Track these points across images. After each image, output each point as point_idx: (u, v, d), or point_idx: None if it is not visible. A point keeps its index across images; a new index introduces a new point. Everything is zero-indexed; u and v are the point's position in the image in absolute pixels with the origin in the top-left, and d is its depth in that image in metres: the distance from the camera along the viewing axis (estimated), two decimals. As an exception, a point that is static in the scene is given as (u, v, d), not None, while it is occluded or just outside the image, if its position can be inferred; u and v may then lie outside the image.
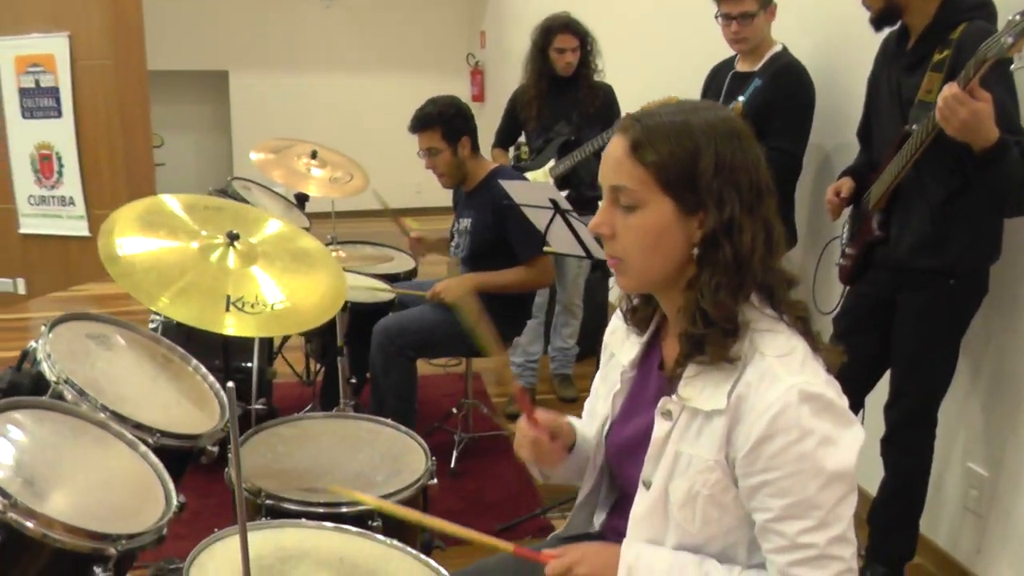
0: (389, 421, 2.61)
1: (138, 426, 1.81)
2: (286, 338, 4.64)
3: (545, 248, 3.47)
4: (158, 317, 3.66)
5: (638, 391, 1.67)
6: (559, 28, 4.48)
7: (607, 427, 1.71)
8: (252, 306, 2.17)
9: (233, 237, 2.34)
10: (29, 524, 1.43)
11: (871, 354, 2.87)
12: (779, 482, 1.37)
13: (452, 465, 4.02)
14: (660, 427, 1.51)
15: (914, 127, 2.55)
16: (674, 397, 1.49)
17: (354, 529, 1.91)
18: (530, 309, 4.14)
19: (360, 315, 3.88)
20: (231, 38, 9.71)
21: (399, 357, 3.70)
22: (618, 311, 1.74)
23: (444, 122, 3.75)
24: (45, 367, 1.82)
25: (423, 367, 4.01)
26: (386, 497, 2.17)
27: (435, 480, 2.37)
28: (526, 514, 3.60)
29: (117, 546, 1.48)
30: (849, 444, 1.39)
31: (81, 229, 7.51)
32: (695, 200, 1.41)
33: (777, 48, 3.55)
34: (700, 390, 1.46)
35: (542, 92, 4.60)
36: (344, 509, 2.10)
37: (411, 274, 4.55)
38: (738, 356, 1.42)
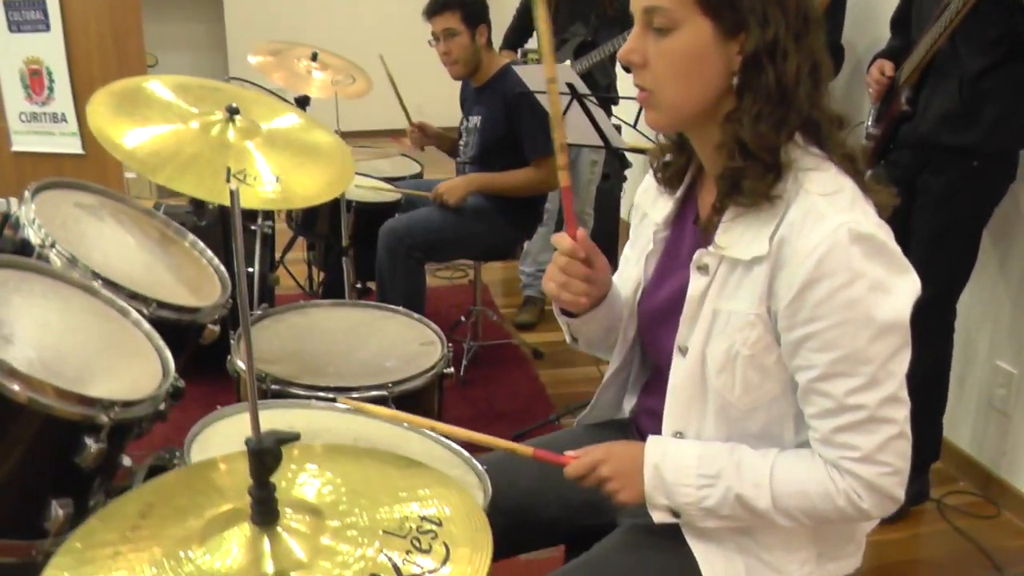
0: (402, 309, 2.47)
1: (133, 295, 1.66)
2: (289, 246, 4.49)
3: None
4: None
5: (672, 251, 1.54)
6: None
7: (639, 293, 1.57)
8: (254, 179, 2.03)
9: (233, 111, 2.19)
10: (12, 384, 1.29)
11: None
12: (825, 333, 1.25)
13: (462, 373, 3.91)
14: (696, 283, 1.39)
15: None
16: (710, 248, 1.37)
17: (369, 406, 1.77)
18: (541, 213, 4.01)
19: (365, 216, 3.74)
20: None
21: (407, 259, 3.57)
22: (650, 170, 1.58)
23: (465, 5, 3.60)
24: (30, 232, 1.66)
25: (429, 280, 3.88)
26: (397, 384, 2.04)
27: (451, 369, 2.24)
28: (539, 421, 3.49)
29: (110, 413, 1.34)
30: (903, 292, 1.27)
31: (75, 146, 7.29)
32: (736, 19, 1.27)
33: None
34: (739, 237, 1.33)
35: None
36: (355, 394, 1.96)
37: (417, 176, 4.40)
38: (779, 195, 1.29)
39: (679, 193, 1.53)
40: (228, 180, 1.98)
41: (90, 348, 1.48)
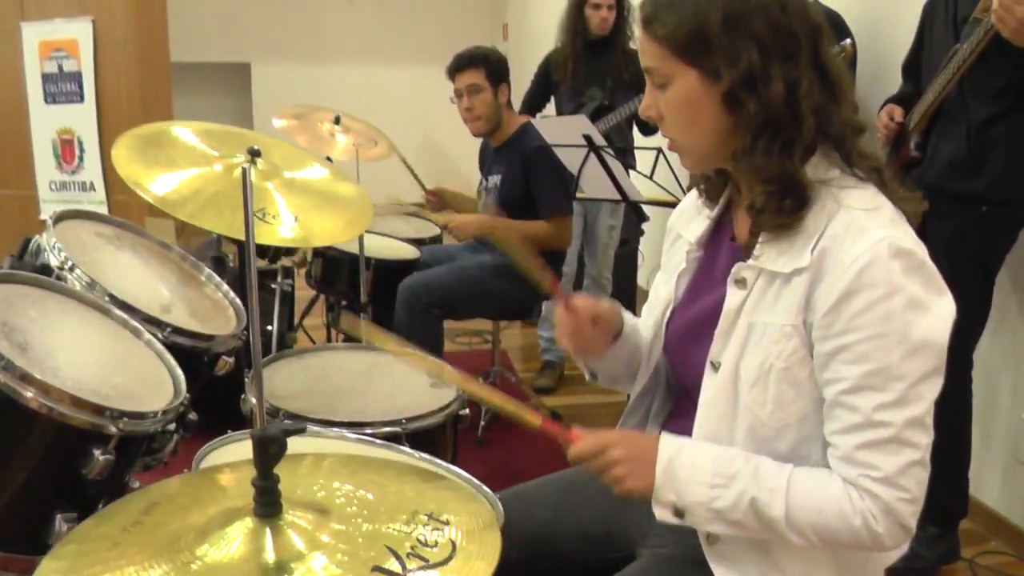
0: (431, 356, 2.46)
1: (148, 319, 1.67)
2: (308, 308, 4.52)
3: (578, 195, 3.32)
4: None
5: (706, 269, 1.53)
6: None
7: (668, 312, 1.55)
8: (273, 217, 2.05)
9: (254, 153, 2.21)
10: (24, 390, 1.29)
11: None
12: (859, 345, 1.23)
13: (479, 434, 3.87)
14: (733, 297, 1.37)
15: (963, 45, 2.42)
16: (750, 262, 1.36)
17: (379, 442, 1.76)
18: (559, 273, 4.01)
19: (384, 273, 3.75)
20: (253, 30, 9.64)
21: (425, 315, 3.56)
22: (694, 191, 1.60)
23: (490, 62, 3.67)
24: (50, 257, 1.68)
25: (449, 345, 3.87)
26: (411, 420, 2.02)
27: (467, 411, 2.22)
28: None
29: (119, 424, 1.32)
30: (940, 313, 1.25)
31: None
32: (711, 63, 1.30)
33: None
34: (780, 252, 1.32)
35: (577, 52, 4.48)
36: (369, 430, 1.94)
37: (436, 240, 4.42)
38: (810, 215, 1.30)
39: (715, 213, 1.53)
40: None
41: (103, 364, 1.48)
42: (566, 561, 1.66)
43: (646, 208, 3.19)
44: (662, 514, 1.36)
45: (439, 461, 1.70)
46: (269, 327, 3.71)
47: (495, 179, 3.84)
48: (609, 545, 1.63)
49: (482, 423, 3.92)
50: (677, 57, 1.31)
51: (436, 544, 0.98)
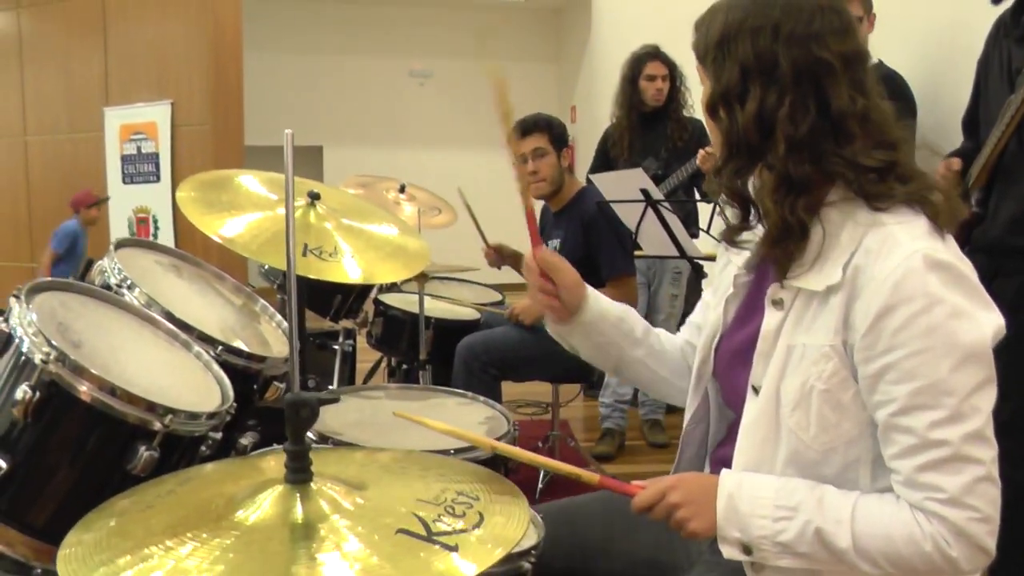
0: (481, 397, 2.46)
1: (202, 336, 1.70)
2: (372, 371, 4.55)
3: (637, 253, 3.33)
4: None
5: (754, 294, 1.50)
6: (649, 57, 4.46)
7: (716, 338, 1.53)
8: (330, 255, 2.10)
9: (314, 196, 2.28)
10: (77, 383, 1.32)
11: None
12: (904, 362, 1.19)
13: (537, 497, 3.83)
14: (771, 319, 1.35)
15: (1016, 96, 2.40)
16: (785, 282, 1.33)
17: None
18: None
19: (444, 333, 3.77)
20: (326, 114, 9.96)
21: (483, 375, 3.56)
22: None
23: (553, 127, 3.73)
24: (111, 277, 1.73)
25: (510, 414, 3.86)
26: (459, 452, 2.01)
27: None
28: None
29: (164, 420, 1.35)
30: (986, 323, 1.21)
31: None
32: (708, 75, 1.38)
33: (873, 61, 3.40)
34: (814, 271, 1.30)
35: (632, 125, 4.54)
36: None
37: (499, 304, 4.45)
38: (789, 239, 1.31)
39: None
40: (304, 255, 2.05)
41: (153, 369, 1.51)
42: None
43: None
44: (730, 552, 1.31)
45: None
46: (330, 386, 3.74)
47: (555, 243, 3.87)
48: (657, 570, 1.59)
49: (540, 486, 3.89)
50: (700, 65, 1.38)
51: (464, 514, 0.98)
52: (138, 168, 7.59)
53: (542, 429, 4.62)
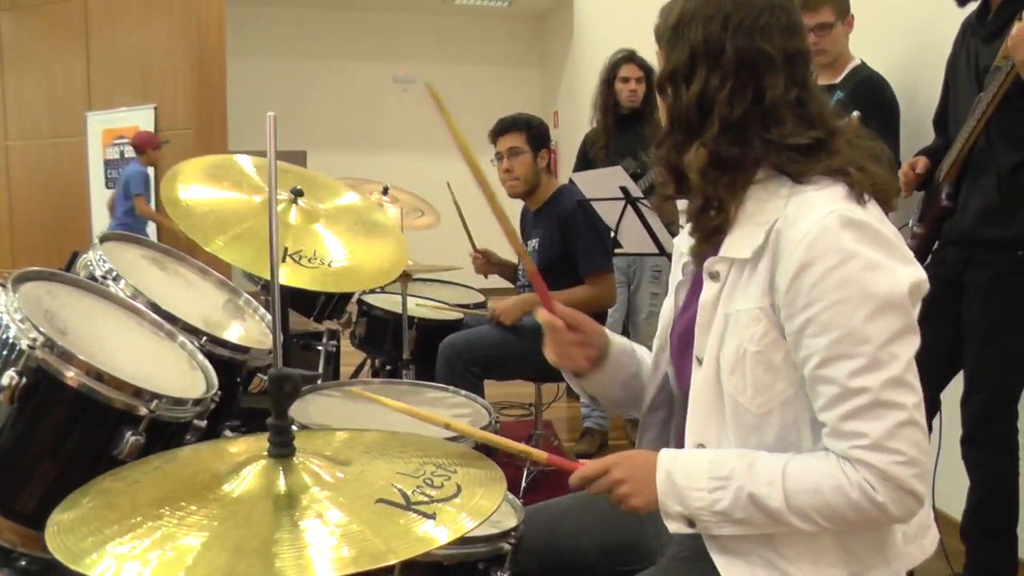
0: (463, 392, 2.49)
1: (187, 327, 1.73)
2: (357, 372, 4.57)
3: (617, 251, 3.37)
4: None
5: (699, 278, 1.55)
6: (624, 60, 4.55)
7: (671, 325, 1.59)
8: (309, 260, 2.09)
9: (297, 193, 2.29)
10: (65, 369, 1.35)
11: (943, 346, 2.68)
12: (821, 315, 1.25)
13: (520, 495, 3.86)
14: (708, 291, 1.41)
15: (985, 93, 2.47)
16: (720, 254, 1.39)
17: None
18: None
19: (426, 334, 3.80)
20: (310, 119, 9.97)
21: (465, 373, 3.59)
22: None
23: (531, 127, 3.76)
24: (96, 269, 1.75)
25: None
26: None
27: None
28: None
29: (151, 405, 1.37)
30: (903, 274, 1.26)
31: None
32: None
33: (856, 62, 3.45)
34: (741, 241, 1.36)
35: (609, 127, 4.60)
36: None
37: (481, 305, 4.48)
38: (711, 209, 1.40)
39: None
40: (283, 260, 2.05)
41: (138, 358, 1.53)
42: (590, 572, 1.66)
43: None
44: (675, 526, 1.36)
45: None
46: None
47: (534, 242, 3.90)
48: (633, 555, 1.63)
49: (524, 484, 3.91)
50: (657, 46, 1.46)
51: (442, 485, 1.01)
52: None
53: (526, 430, 4.66)
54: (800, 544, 1.34)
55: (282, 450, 1.02)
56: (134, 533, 0.88)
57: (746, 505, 1.30)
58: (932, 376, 2.68)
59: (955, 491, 2.74)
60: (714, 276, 1.40)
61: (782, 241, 1.29)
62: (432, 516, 0.93)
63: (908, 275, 1.26)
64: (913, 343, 1.27)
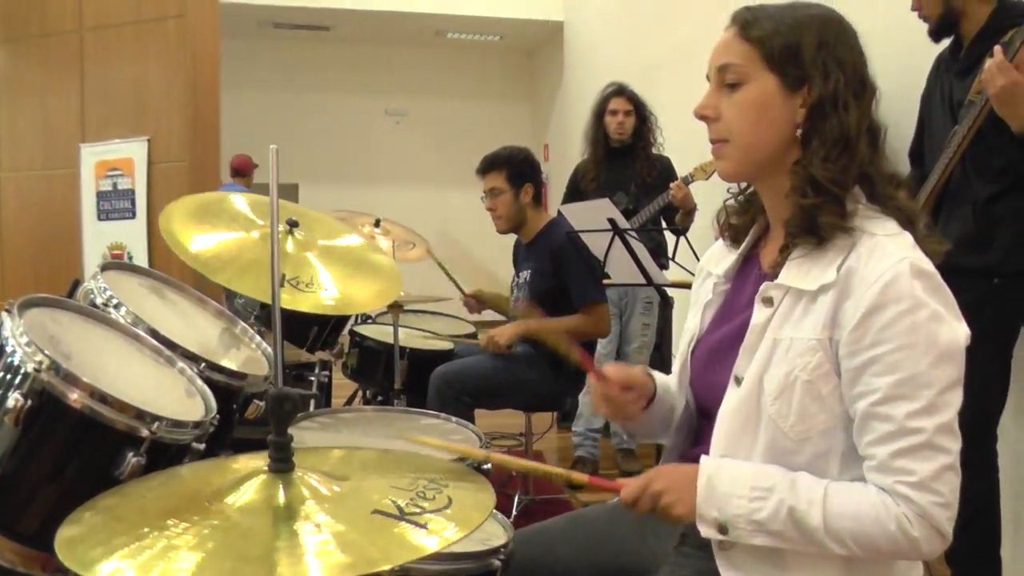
0: (454, 418, 2.54)
1: (186, 354, 1.77)
2: (349, 401, 4.62)
3: (606, 282, 3.43)
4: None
5: (732, 300, 1.60)
6: (613, 93, 4.65)
7: (694, 343, 1.63)
8: (307, 285, 2.15)
9: (292, 224, 2.34)
10: (69, 391, 1.39)
11: None
12: (888, 356, 1.30)
13: (512, 522, 3.87)
14: (759, 314, 1.44)
15: (960, 126, 2.54)
16: (778, 281, 1.43)
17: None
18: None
19: (418, 363, 3.84)
20: (302, 152, 10.04)
21: (456, 403, 3.63)
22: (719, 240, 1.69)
23: (510, 165, 3.83)
24: (97, 297, 1.80)
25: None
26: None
27: (489, 465, 2.27)
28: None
29: (152, 427, 1.42)
30: (960, 328, 1.34)
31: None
32: (798, 75, 1.42)
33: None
34: (805, 272, 1.40)
35: (599, 160, 4.68)
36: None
37: (471, 336, 4.53)
38: (854, 229, 1.39)
39: (743, 248, 1.62)
40: (282, 285, 2.10)
41: (139, 382, 1.58)
42: None
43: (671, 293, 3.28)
44: (707, 531, 1.39)
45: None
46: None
47: (525, 274, 3.96)
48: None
49: (515, 513, 3.94)
50: (764, 61, 1.43)
51: (434, 498, 1.06)
52: (113, 205, 7.60)
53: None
54: (807, 567, 1.38)
55: (282, 465, 1.07)
56: (141, 543, 0.93)
57: (785, 519, 1.34)
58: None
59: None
60: (767, 301, 1.43)
61: (854, 279, 1.34)
62: (424, 526, 0.98)
63: (964, 331, 1.35)
64: (961, 394, 1.34)
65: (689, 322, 1.66)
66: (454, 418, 2.52)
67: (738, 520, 1.36)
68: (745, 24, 1.45)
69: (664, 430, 1.71)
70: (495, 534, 1.70)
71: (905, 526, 1.29)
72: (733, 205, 1.64)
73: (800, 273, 1.41)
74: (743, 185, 1.62)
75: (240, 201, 2.40)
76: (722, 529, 1.38)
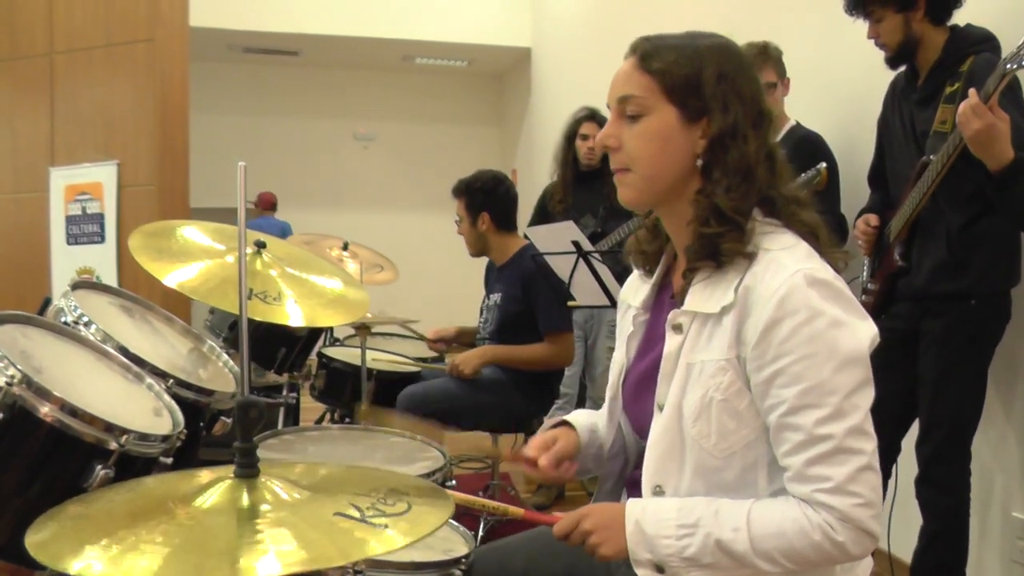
0: (419, 436, 2.58)
1: (155, 371, 1.81)
2: (320, 419, 4.63)
3: (570, 303, 3.48)
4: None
5: (652, 330, 1.65)
6: (585, 118, 4.67)
7: (623, 374, 1.69)
8: (275, 298, 2.20)
9: (260, 245, 2.40)
10: (40, 404, 1.42)
11: (901, 393, 2.81)
12: (791, 368, 1.34)
13: (476, 545, 3.90)
14: (671, 342, 1.49)
15: (932, 157, 2.59)
16: (684, 308, 1.48)
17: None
18: (556, 388, 4.12)
19: (385, 385, 3.88)
20: (271, 176, 10.05)
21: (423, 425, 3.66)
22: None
23: (468, 194, 3.92)
24: (67, 315, 1.84)
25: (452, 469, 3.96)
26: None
27: (454, 482, 2.32)
28: None
29: (120, 440, 1.45)
30: (862, 331, 1.37)
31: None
32: (698, 106, 1.46)
33: (792, 123, 3.60)
34: (708, 296, 1.45)
35: (568, 182, 4.72)
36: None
37: (438, 360, 4.55)
38: (753, 252, 1.43)
39: (655, 279, 1.67)
40: (250, 298, 2.15)
41: (108, 397, 1.61)
42: None
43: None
44: (645, 573, 1.44)
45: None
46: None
47: (495, 297, 4.00)
48: None
49: (481, 534, 3.96)
50: (664, 92, 1.47)
51: (394, 504, 1.10)
52: (82, 229, 7.58)
53: (483, 481, 4.72)
54: None
55: (247, 471, 1.11)
56: (109, 539, 0.97)
57: (714, 550, 1.38)
58: (890, 424, 2.82)
59: (909, 534, 2.84)
60: (677, 328, 1.49)
61: (751, 297, 1.39)
62: (385, 527, 1.02)
63: (867, 331, 1.38)
64: (871, 394, 1.38)
65: (616, 354, 1.73)
66: (419, 436, 2.56)
67: (671, 559, 1.41)
68: (645, 55, 1.49)
69: (597, 467, 1.78)
70: (457, 545, 1.74)
71: (829, 532, 1.34)
72: (643, 233, 1.69)
73: (703, 297, 1.46)
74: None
75: (197, 234, 2.43)
76: (658, 568, 1.43)
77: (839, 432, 1.33)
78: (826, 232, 1.51)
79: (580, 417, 1.79)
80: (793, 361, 1.34)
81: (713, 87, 1.45)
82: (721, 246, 1.44)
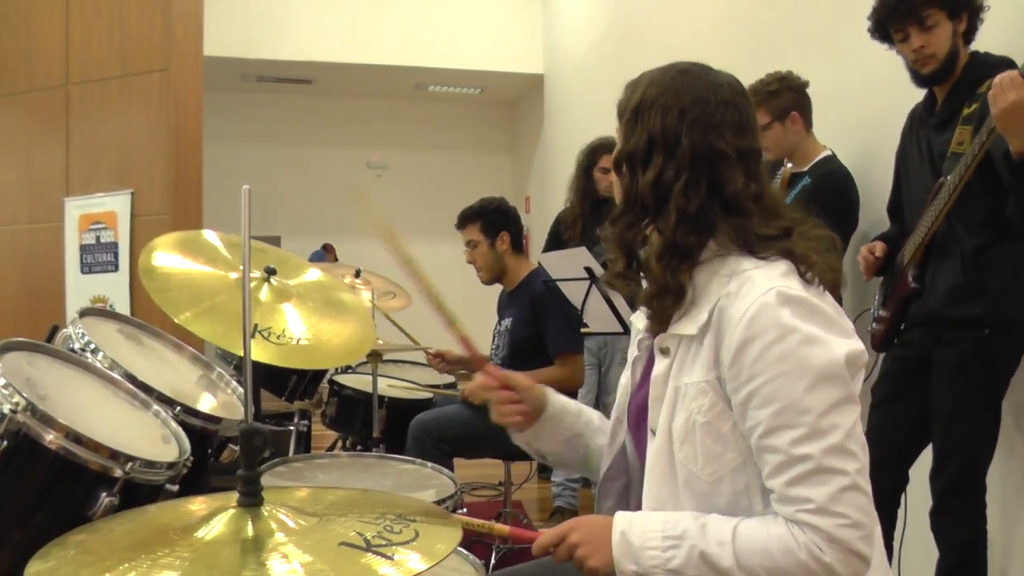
0: (430, 463, 2.55)
1: (162, 398, 1.80)
2: (332, 447, 4.61)
3: (583, 330, 3.45)
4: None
5: (654, 353, 1.64)
6: (604, 149, 4.61)
7: (628, 398, 1.67)
8: (277, 337, 2.16)
9: (270, 272, 2.37)
10: (45, 432, 1.41)
11: (912, 421, 2.75)
12: (763, 388, 1.33)
13: (487, 574, 3.86)
14: (659, 366, 1.49)
15: (948, 178, 2.56)
16: (669, 331, 1.48)
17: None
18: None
19: (397, 412, 3.86)
20: (284, 205, 10.10)
21: (435, 451, 3.63)
22: None
23: (484, 216, 3.87)
24: (75, 342, 1.83)
25: (464, 497, 3.92)
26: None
27: (465, 510, 2.29)
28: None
29: (125, 467, 1.43)
30: (840, 346, 1.35)
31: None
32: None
33: (827, 152, 3.51)
34: (689, 318, 1.45)
35: (585, 212, 4.69)
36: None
37: (451, 386, 4.54)
38: (731, 272, 1.43)
39: None
40: (253, 336, 2.11)
41: (115, 427, 1.60)
42: None
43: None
44: None
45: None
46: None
47: (507, 322, 3.99)
48: None
49: (493, 561, 3.93)
50: (617, 123, 1.54)
51: (401, 531, 1.08)
52: (96, 258, 7.62)
53: (495, 509, 4.69)
54: None
55: (251, 499, 1.09)
56: (111, 573, 0.95)
57: (698, 564, 1.36)
58: (901, 452, 2.76)
59: (925, 565, 2.78)
60: (664, 352, 1.48)
61: (724, 318, 1.38)
62: (391, 557, 1.00)
63: (845, 347, 1.34)
64: (853, 411, 1.34)
65: (623, 379, 1.71)
66: (430, 464, 2.53)
67: (656, 571, 1.39)
68: (619, 102, 1.56)
69: (574, 458, 1.78)
70: (468, 574, 1.71)
71: (816, 553, 1.31)
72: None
73: (687, 320, 1.45)
74: None
75: (213, 238, 2.42)
76: None
77: (817, 452, 1.30)
78: (817, 255, 1.47)
79: (564, 398, 1.78)
80: (765, 381, 1.33)
81: (626, 115, 1.52)
82: (664, 278, 1.46)
